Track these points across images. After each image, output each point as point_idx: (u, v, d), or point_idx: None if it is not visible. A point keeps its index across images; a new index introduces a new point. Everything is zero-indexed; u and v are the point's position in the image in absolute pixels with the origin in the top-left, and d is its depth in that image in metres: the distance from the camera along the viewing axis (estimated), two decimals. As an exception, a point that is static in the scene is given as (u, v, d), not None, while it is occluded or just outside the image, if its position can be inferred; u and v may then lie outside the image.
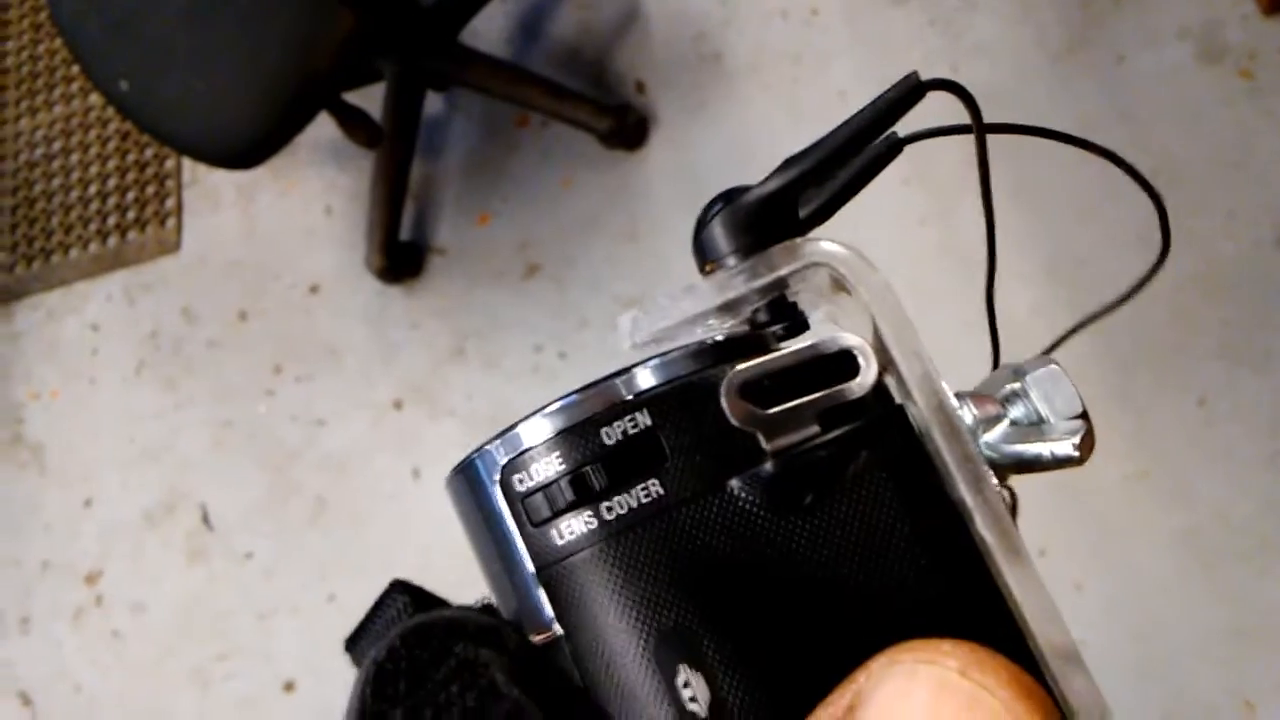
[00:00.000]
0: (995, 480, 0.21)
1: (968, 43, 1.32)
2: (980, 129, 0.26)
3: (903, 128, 0.24)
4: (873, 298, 0.21)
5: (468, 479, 0.22)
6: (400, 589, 0.24)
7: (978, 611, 0.20)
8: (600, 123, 1.40)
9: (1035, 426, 0.24)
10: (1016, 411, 0.24)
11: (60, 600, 1.48)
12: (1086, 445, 0.23)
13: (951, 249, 1.22)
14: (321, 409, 1.46)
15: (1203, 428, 1.12)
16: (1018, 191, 1.22)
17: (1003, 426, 0.24)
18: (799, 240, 0.22)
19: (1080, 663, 0.20)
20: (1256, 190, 1.18)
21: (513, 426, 0.21)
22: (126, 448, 1.53)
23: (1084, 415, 0.24)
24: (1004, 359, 0.27)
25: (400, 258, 1.47)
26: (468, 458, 0.22)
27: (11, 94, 1.82)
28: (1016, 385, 0.24)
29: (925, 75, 0.25)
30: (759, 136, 1.38)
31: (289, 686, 1.34)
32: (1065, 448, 0.23)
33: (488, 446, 0.21)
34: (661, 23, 1.49)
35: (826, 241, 0.21)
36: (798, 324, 0.24)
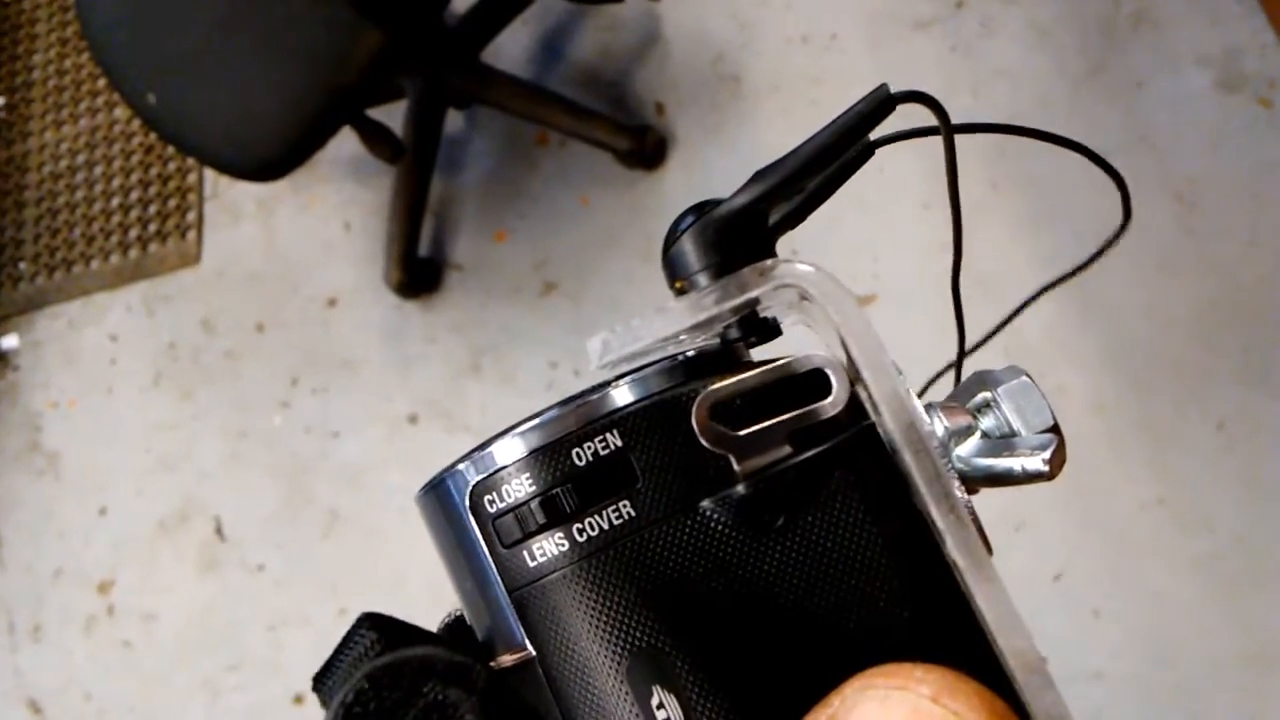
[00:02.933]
0: (966, 499, 0.21)
1: (988, 68, 1.33)
2: (948, 130, 0.26)
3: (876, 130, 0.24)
4: (842, 318, 0.21)
5: (438, 497, 0.22)
6: (368, 624, 0.23)
7: (950, 633, 0.20)
8: (619, 142, 1.41)
9: (1006, 439, 0.24)
10: (987, 422, 0.24)
11: (72, 608, 1.48)
12: (1057, 460, 0.23)
13: (972, 272, 1.22)
14: (337, 422, 1.47)
15: (1222, 453, 1.11)
16: (1032, 214, 1.22)
17: (974, 439, 0.24)
18: (770, 262, 0.22)
19: (1051, 683, 0.20)
20: (1277, 217, 1.18)
21: (484, 446, 0.21)
22: (142, 457, 1.53)
23: (1055, 428, 0.24)
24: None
25: (418, 273, 1.48)
26: (438, 476, 0.22)
27: (38, 106, 1.84)
28: (988, 395, 0.24)
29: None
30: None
31: (298, 699, 1.33)
32: (1035, 463, 0.23)
33: (459, 466, 0.21)
34: (681, 45, 1.50)
35: (797, 263, 0.21)
36: (769, 331, 0.24)
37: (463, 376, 1.44)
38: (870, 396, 0.21)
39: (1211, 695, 1.05)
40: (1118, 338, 1.17)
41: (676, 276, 0.24)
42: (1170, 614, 1.08)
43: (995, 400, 0.24)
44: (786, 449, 0.20)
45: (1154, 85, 1.26)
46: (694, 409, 0.20)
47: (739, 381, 0.20)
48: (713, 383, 0.20)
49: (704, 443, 0.20)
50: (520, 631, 0.20)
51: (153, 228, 1.69)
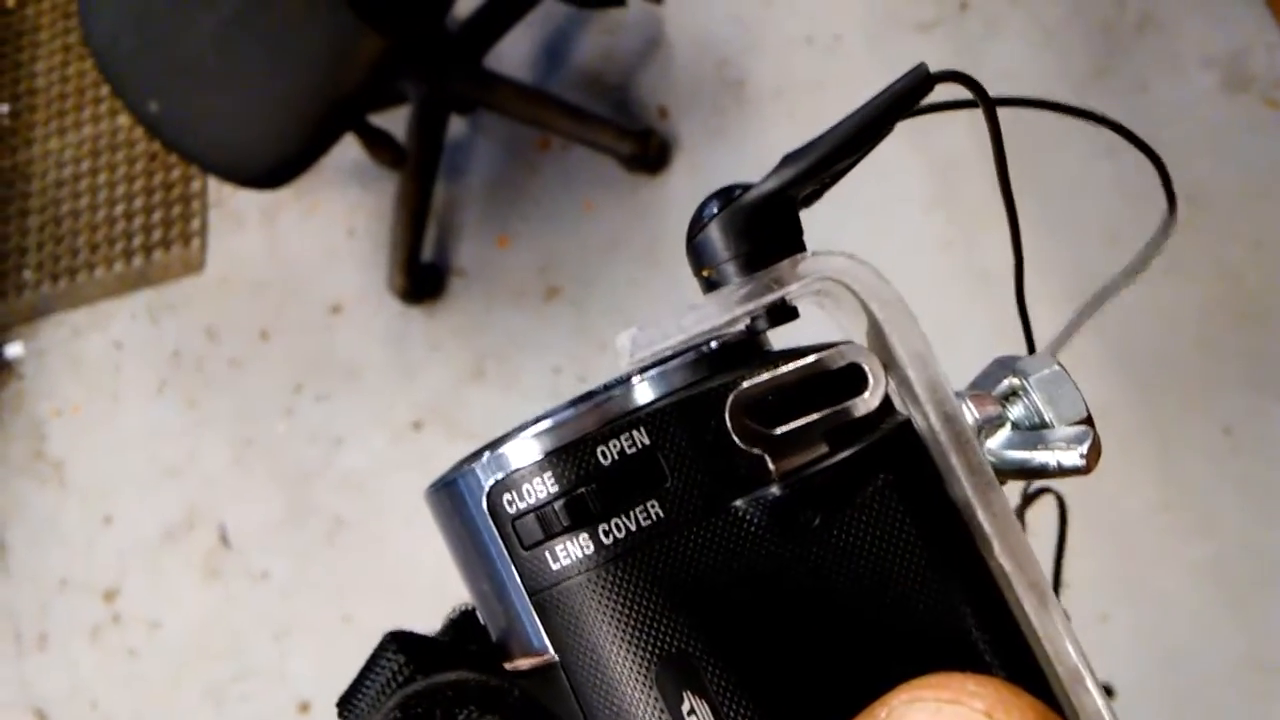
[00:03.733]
0: (1007, 499, 0.20)
1: (991, 70, 1.32)
2: (989, 104, 0.26)
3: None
4: (885, 310, 0.20)
5: (451, 495, 0.21)
6: (395, 645, 0.22)
7: (994, 640, 0.19)
8: (622, 147, 1.41)
9: (1036, 430, 0.23)
10: (1016, 411, 0.24)
11: (78, 617, 1.48)
12: (1094, 454, 0.22)
13: (975, 267, 1.21)
14: (341, 429, 1.46)
15: (1228, 457, 1.11)
16: (1042, 219, 1.21)
17: (1005, 431, 0.23)
18: (807, 254, 0.21)
19: (1100, 693, 0.19)
20: (1283, 219, 1.17)
21: (497, 445, 0.20)
22: (147, 465, 1.53)
23: (1088, 420, 0.23)
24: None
25: (421, 279, 1.48)
26: (450, 475, 0.21)
27: (41, 114, 1.84)
28: (1016, 382, 0.24)
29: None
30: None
31: (304, 707, 1.33)
32: (1073, 458, 0.22)
33: (472, 465, 0.20)
34: (685, 49, 1.50)
35: (834, 255, 0.21)
36: (788, 314, 0.23)
37: (466, 383, 1.44)
38: (912, 391, 0.20)
39: (1219, 700, 1.04)
40: (1122, 340, 1.17)
41: (703, 265, 0.23)
42: (1177, 619, 1.08)
43: (1025, 389, 0.23)
44: (824, 448, 0.19)
45: (1159, 87, 1.26)
46: (728, 406, 0.19)
47: (774, 377, 0.20)
48: (745, 378, 0.19)
49: (737, 441, 0.19)
50: (541, 635, 0.20)
51: (156, 235, 1.69)
